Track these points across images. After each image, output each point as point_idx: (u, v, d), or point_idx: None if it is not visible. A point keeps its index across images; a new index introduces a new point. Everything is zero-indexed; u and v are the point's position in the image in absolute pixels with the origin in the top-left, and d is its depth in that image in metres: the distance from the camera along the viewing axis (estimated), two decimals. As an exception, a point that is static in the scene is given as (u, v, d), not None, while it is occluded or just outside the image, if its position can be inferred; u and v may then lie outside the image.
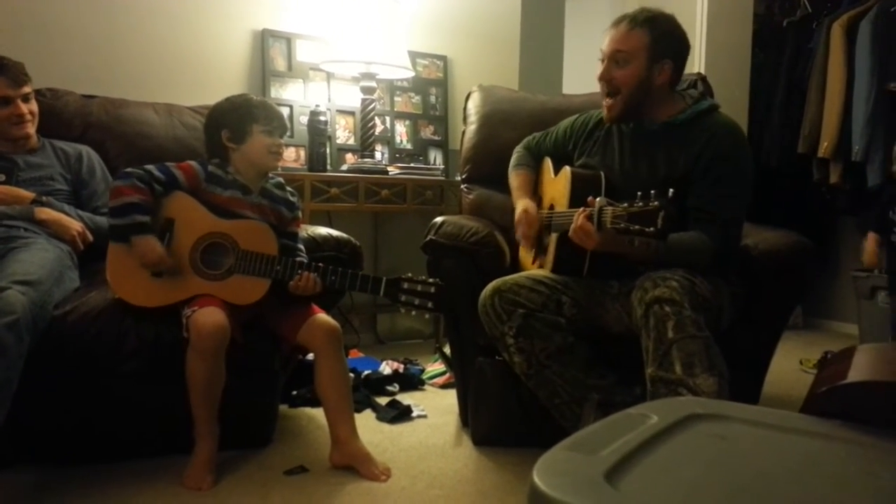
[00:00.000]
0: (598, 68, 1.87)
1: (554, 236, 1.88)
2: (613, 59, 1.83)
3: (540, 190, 2.12)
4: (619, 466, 0.73)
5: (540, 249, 2.01)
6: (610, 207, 1.53)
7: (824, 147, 3.53)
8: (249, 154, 1.92)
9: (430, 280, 1.85)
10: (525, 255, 2.14)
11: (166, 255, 1.80)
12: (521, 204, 2.04)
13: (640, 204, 1.45)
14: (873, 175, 3.34)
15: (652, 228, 1.41)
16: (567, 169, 1.91)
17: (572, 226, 1.64)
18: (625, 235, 1.47)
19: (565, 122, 2.14)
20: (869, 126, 3.33)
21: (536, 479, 0.69)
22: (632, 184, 1.77)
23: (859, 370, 0.94)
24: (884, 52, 3.32)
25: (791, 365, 3.18)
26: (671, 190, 1.43)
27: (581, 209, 1.62)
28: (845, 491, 0.74)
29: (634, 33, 1.80)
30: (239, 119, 1.91)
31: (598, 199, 1.58)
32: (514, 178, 2.19)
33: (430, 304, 1.83)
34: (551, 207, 1.97)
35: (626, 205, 1.48)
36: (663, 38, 1.81)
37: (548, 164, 2.10)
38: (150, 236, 1.79)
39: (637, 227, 1.44)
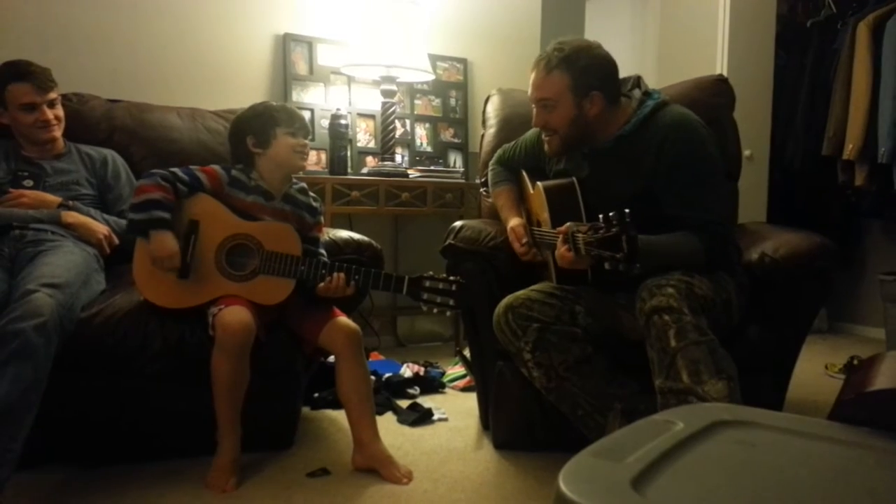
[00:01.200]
0: (532, 112, 1.87)
1: (549, 253, 1.87)
2: (541, 106, 1.83)
3: (526, 203, 2.11)
4: (645, 473, 0.73)
5: (543, 263, 2.00)
6: (580, 234, 1.54)
7: (850, 149, 3.48)
8: (276, 157, 1.94)
9: (451, 278, 1.85)
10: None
11: (179, 253, 1.81)
12: (510, 223, 2.03)
13: (603, 229, 1.46)
14: (900, 177, 3.28)
15: (620, 254, 1.43)
16: (539, 185, 1.90)
17: (556, 252, 1.65)
18: (600, 262, 1.48)
19: (531, 134, 2.11)
20: (895, 128, 3.28)
21: (562, 486, 0.69)
22: (604, 200, 1.71)
23: (888, 376, 0.93)
24: (911, 53, 3.27)
25: (816, 369, 3.14)
26: (626, 210, 1.43)
27: (561, 235, 1.62)
28: (873, 499, 0.73)
29: (553, 77, 1.78)
30: (262, 124, 1.93)
31: (567, 224, 1.60)
32: (497, 198, 2.18)
33: (451, 302, 1.84)
34: (539, 224, 1.97)
35: (592, 230, 1.49)
36: (583, 73, 1.77)
37: (524, 177, 2.10)
38: (167, 232, 1.80)
39: (608, 253, 1.45)
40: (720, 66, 3.61)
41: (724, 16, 3.63)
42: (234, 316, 1.73)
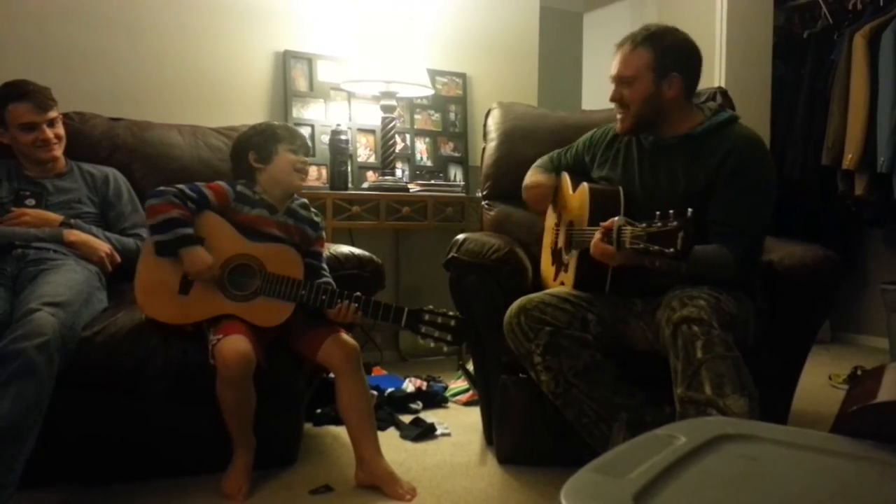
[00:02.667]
0: (610, 89, 1.89)
1: (575, 253, 1.87)
2: (621, 82, 1.84)
3: (559, 206, 2.12)
4: (647, 489, 0.72)
5: (561, 266, 2.01)
6: (629, 227, 1.51)
7: (849, 159, 3.49)
8: (276, 173, 1.95)
9: (451, 313, 1.85)
10: (547, 271, 2.13)
11: (214, 263, 1.84)
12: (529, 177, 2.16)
13: (659, 224, 1.43)
14: (900, 186, 3.29)
15: (672, 249, 1.40)
16: (585, 185, 1.90)
17: (592, 242, 1.64)
18: (645, 256, 1.46)
19: (586, 136, 2.15)
20: (894, 137, 3.28)
21: (564, 503, 0.69)
22: (652, 197, 1.76)
23: (891, 389, 0.92)
24: (907, 63, 3.28)
25: (820, 380, 3.13)
26: (690, 209, 1.41)
27: (599, 227, 1.62)
28: (880, 514, 0.73)
29: (636, 53, 1.81)
30: (265, 141, 1.97)
31: (616, 218, 1.57)
32: (534, 175, 2.21)
33: (449, 338, 1.83)
34: (570, 224, 1.97)
35: (644, 225, 1.46)
36: (667, 52, 1.80)
37: (566, 179, 2.10)
38: (199, 247, 1.83)
39: (657, 247, 1.42)
40: (718, 78, 3.62)
41: (721, 28, 3.64)
42: (232, 347, 1.73)
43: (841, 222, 3.89)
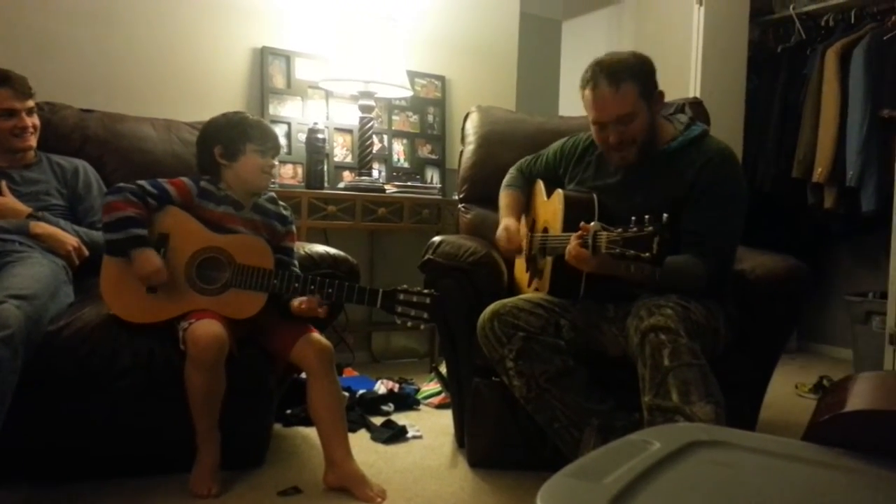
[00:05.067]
0: (592, 130, 1.86)
1: (549, 259, 1.88)
2: (619, 123, 1.79)
3: (533, 212, 2.13)
4: (622, 494, 0.72)
5: (535, 272, 2.01)
6: (605, 232, 1.52)
7: (819, 172, 3.56)
8: (241, 172, 1.92)
9: (426, 291, 1.84)
10: (521, 276, 2.14)
11: (164, 268, 1.79)
12: (504, 222, 2.06)
13: (635, 229, 1.44)
14: (867, 200, 3.36)
15: (647, 254, 1.41)
16: (560, 191, 1.91)
17: (567, 249, 1.65)
18: (620, 260, 1.47)
19: (555, 146, 2.15)
20: (863, 152, 3.36)
21: (540, 507, 0.68)
22: (627, 209, 1.77)
23: (860, 398, 0.94)
24: (876, 80, 3.35)
25: (786, 389, 3.18)
26: (665, 215, 1.43)
27: (576, 233, 1.62)
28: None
29: (625, 91, 1.76)
30: (233, 137, 1.91)
31: (592, 223, 1.58)
32: (503, 198, 2.19)
33: (425, 316, 1.82)
34: (545, 230, 1.98)
35: (620, 230, 1.48)
36: (645, 76, 1.80)
37: (540, 186, 2.10)
38: (149, 249, 1.79)
39: (632, 252, 1.43)
40: (693, 89, 3.66)
41: (697, 39, 3.69)
42: (206, 329, 1.70)
43: (809, 234, 3.97)
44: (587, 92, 1.81)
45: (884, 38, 3.38)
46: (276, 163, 1.97)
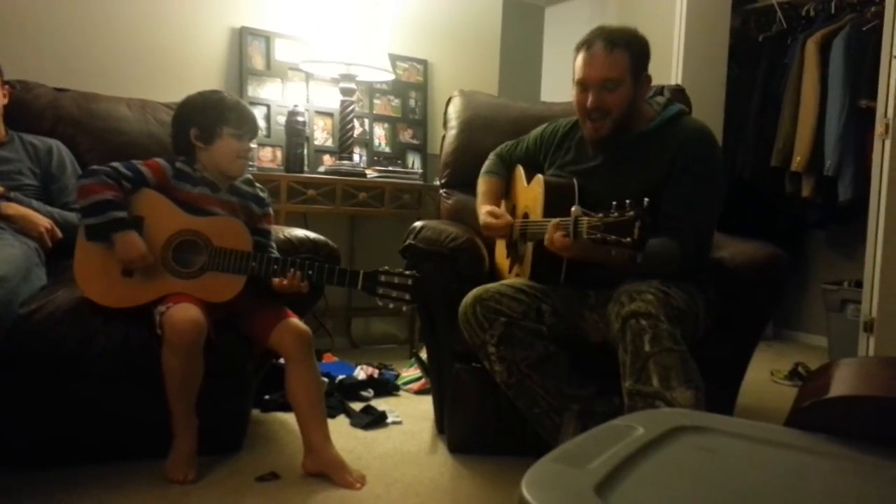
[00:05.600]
0: (573, 90, 1.85)
1: (530, 245, 1.87)
2: (603, 87, 1.79)
3: (513, 198, 2.12)
4: (607, 480, 0.72)
5: (516, 258, 2.01)
6: (586, 217, 1.52)
7: (797, 161, 3.59)
8: (216, 156, 1.89)
9: (407, 272, 1.83)
10: (501, 262, 2.13)
11: (148, 251, 1.76)
12: (485, 208, 2.04)
13: (616, 214, 1.44)
14: (844, 189, 3.40)
15: (629, 239, 1.42)
16: (540, 177, 1.90)
17: (546, 236, 1.64)
18: (602, 245, 1.47)
19: (535, 132, 2.14)
20: (841, 142, 3.39)
21: (525, 493, 0.67)
22: (607, 193, 1.76)
23: (843, 384, 0.94)
24: (855, 70, 3.38)
25: (762, 376, 3.22)
26: (646, 199, 1.42)
27: (556, 220, 1.62)
28: (832, 506, 0.74)
29: (617, 55, 1.77)
30: (209, 119, 1.87)
31: (573, 208, 1.58)
32: (483, 184, 2.18)
33: (407, 296, 1.81)
34: (525, 216, 1.97)
35: (601, 215, 1.47)
36: (640, 54, 1.80)
37: (520, 171, 2.09)
38: (132, 232, 1.75)
39: (613, 237, 1.43)
40: (675, 77, 3.67)
41: (680, 27, 3.69)
42: (184, 314, 1.68)
43: (786, 223, 4.00)
44: (581, 53, 1.81)
45: (863, 29, 3.41)
46: (255, 145, 1.93)
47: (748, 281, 1.95)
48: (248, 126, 1.91)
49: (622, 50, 1.77)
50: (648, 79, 1.85)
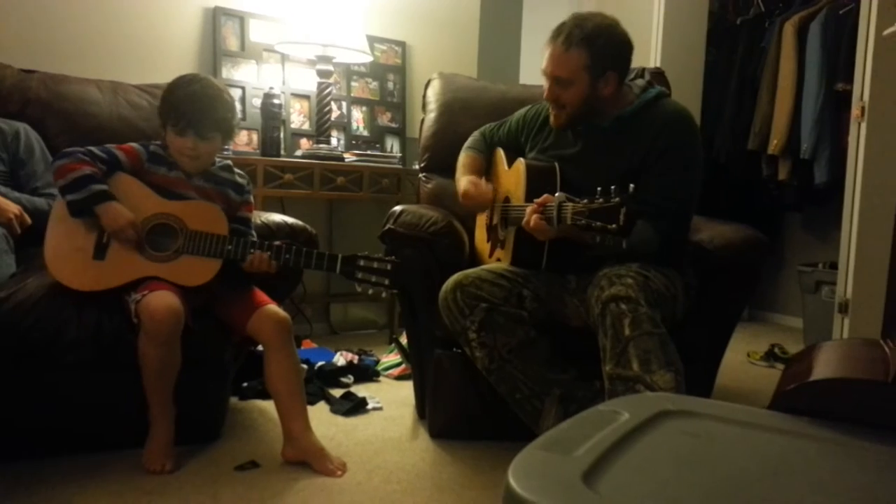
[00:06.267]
0: (543, 81, 1.85)
1: (512, 230, 1.86)
2: (555, 82, 1.81)
3: (494, 181, 2.10)
4: (595, 467, 0.71)
5: (496, 242, 1.99)
6: (570, 203, 1.51)
7: (774, 144, 3.61)
8: (170, 147, 1.86)
9: (387, 258, 1.81)
10: (482, 246, 2.11)
11: (135, 220, 1.74)
12: (467, 178, 2.03)
13: (601, 200, 1.43)
14: (820, 172, 3.43)
15: (614, 225, 1.41)
16: (522, 161, 1.89)
17: (524, 220, 1.63)
18: (586, 232, 1.46)
19: (518, 113, 2.13)
20: (818, 125, 3.41)
21: (512, 482, 0.66)
22: (586, 177, 1.76)
23: (826, 367, 0.94)
24: (832, 53, 3.40)
25: (738, 357, 3.25)
26: (631, 186, 1.41)
27: (534, 204, 1.61)
28: (817, 489, 0.74)
29: (572, 55, 1.75)
30: (163, 108, 1.85)
31: (556, 194, 1.57)
32: (464, 158, 2.17)
33: (386, 282, 1.79)
34: (507, 200, 1.95)
35: (586, 201, 1.46)
36: (601, 53, 1.77)
37: (501, 155, 2.07)
38: (115, 202, 1.73)
39: (599, 223, 1.42)
40: (653, 60, 3.66)
41: (658, 10, 3.68)
42: (161, 301, 1.64)
43: (762, 205, 4.04)
44: (547, 44, 1.81)
45: (840, 13, 3.42)
46: (199, 144, 1.82)
47: (727, 263, 1.95)
48: (185, 121, 1.79)
49: (580, 49, 1.75)
50: (614, 78, 1.80)
